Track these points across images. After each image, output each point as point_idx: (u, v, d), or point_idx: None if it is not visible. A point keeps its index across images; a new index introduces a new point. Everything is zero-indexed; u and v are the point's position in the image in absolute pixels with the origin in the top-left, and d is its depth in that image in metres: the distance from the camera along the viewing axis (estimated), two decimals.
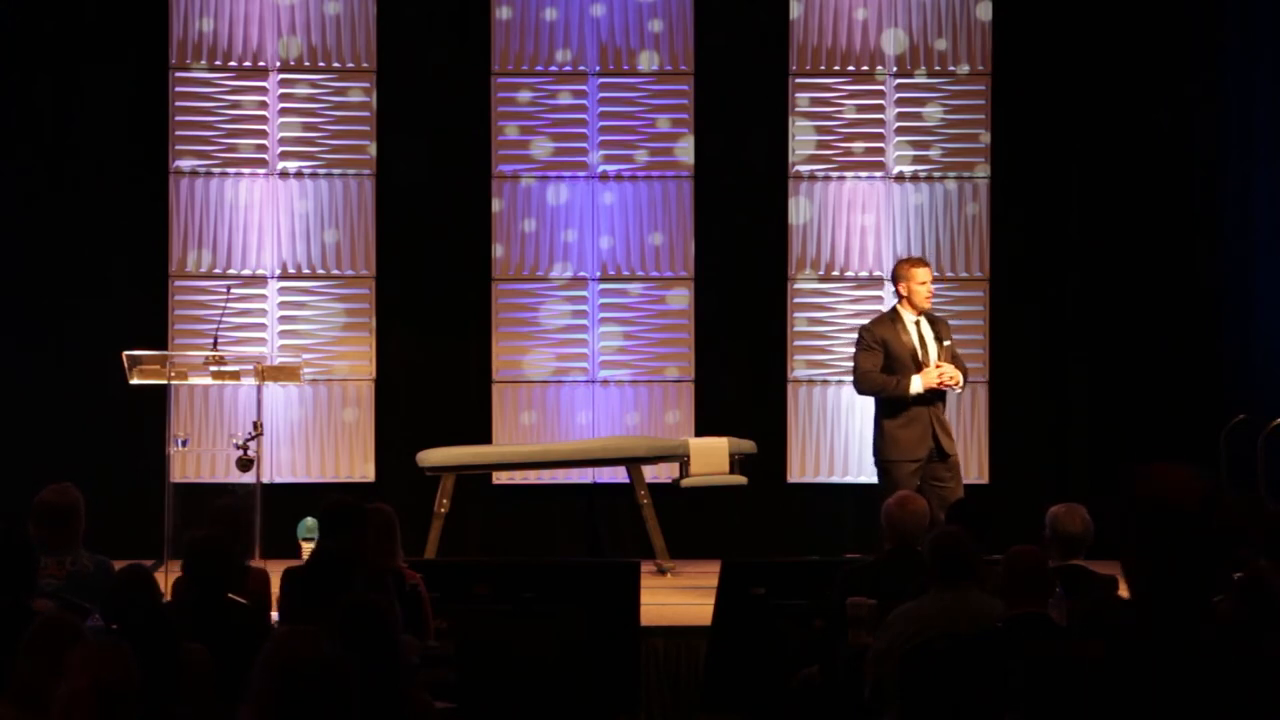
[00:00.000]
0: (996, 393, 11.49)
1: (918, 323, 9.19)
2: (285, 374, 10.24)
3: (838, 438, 11.51)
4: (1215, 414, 10.91)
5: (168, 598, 6.60)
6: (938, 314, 9.44)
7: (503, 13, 11.58)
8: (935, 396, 9.09)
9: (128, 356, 9.84)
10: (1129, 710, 3.33)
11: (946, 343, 9.18)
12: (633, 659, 8.20)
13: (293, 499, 10.79)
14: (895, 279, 9.28)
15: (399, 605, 6.16)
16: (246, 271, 11.47)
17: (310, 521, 10.13)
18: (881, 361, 9.14)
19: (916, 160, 11.60)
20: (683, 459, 10.80)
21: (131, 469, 10.96)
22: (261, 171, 11.49)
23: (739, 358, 11.60)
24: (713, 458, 10.76)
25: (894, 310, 9.25)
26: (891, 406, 9.10)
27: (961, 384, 9.17)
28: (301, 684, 4.35)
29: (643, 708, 8.46)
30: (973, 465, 11.53)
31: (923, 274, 9.20)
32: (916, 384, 9.04)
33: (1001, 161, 11.61)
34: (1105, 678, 3.39)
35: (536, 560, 9.97)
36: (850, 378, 9.49)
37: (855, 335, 9.39)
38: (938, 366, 9.06)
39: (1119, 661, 3.40)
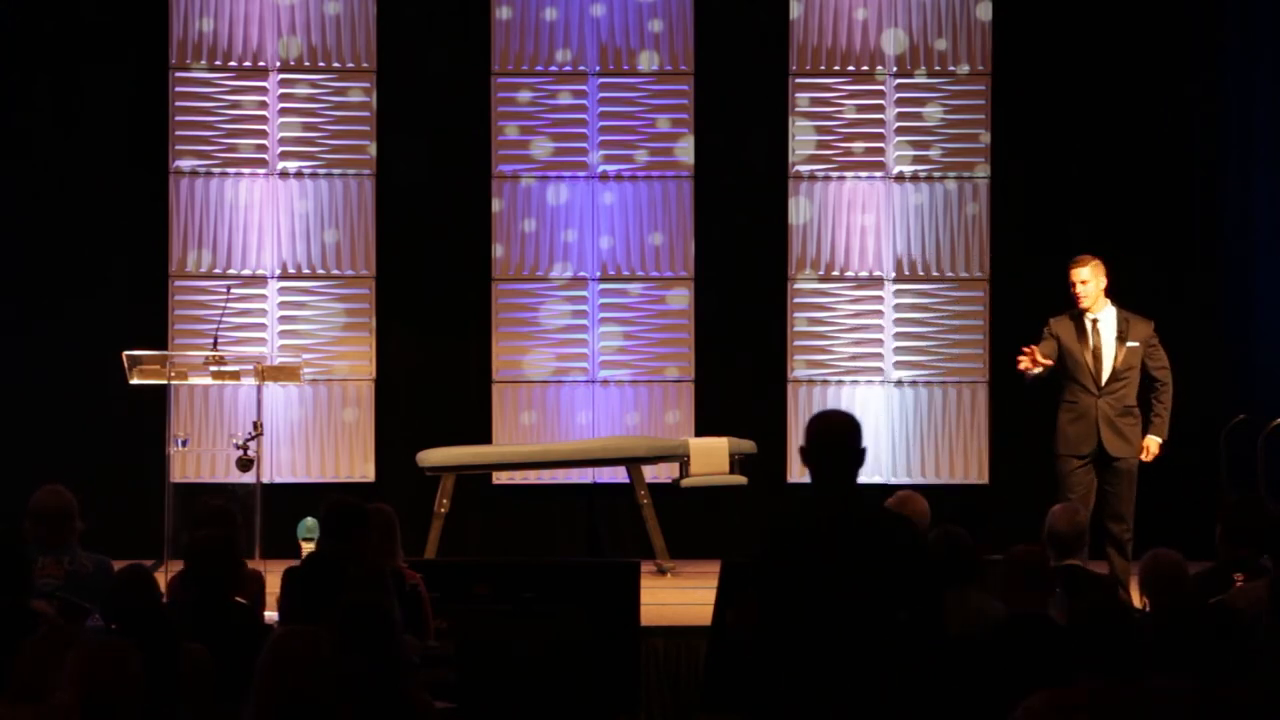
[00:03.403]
0: (996, 393, 11.48)
1: (1095, 321, 9.20)
2: (285, 374, 10.23)
3: None
4: (1215, 414, 10.91)
5: (167, 597, 6.60)
6: (1132, 313, 9.34)
7: (503, 13, 11.58)
8: (1109, 394, 9.12)
9: (128, 356, 9.84)
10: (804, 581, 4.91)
11: (1132, 343, 9.18)
12: (633, 659, 8.19)
13: (293, 499, 10.79)
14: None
15: (399, 605, 6.16)
16: (246, 271, 11.47)
17: (310, 521, 10.12)
18: (1053, 349, 9.16)
19: (916, 160, 11.60)
20: (683, 459, 10.80)
21: (131, 469, 10.96)
22: (261, 171, 11.49)
23: (739, 358, 11.60)
24: (713, 458, 10.76)
25: (1080, 308, 9.28)
26: (1063, 400, 9.18)
27: (1153, 382, 9.28)
28: (301, 683, 4.35)
29: (643, 708, 8.45)
30: (973, 465, 11.55)
31: (1074, 274, 9.23)
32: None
33: (1001, 161, 11.61)
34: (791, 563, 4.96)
35: (536, 560, 9.96)
36: None
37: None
38: (1028, 351, 9.09)
39: (799, 548, 4.98)
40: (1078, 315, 9.25)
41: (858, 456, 5.12)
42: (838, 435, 5.11)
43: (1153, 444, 9.24)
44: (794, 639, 4.92)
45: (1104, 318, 9.24)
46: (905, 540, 5.06)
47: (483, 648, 7.34)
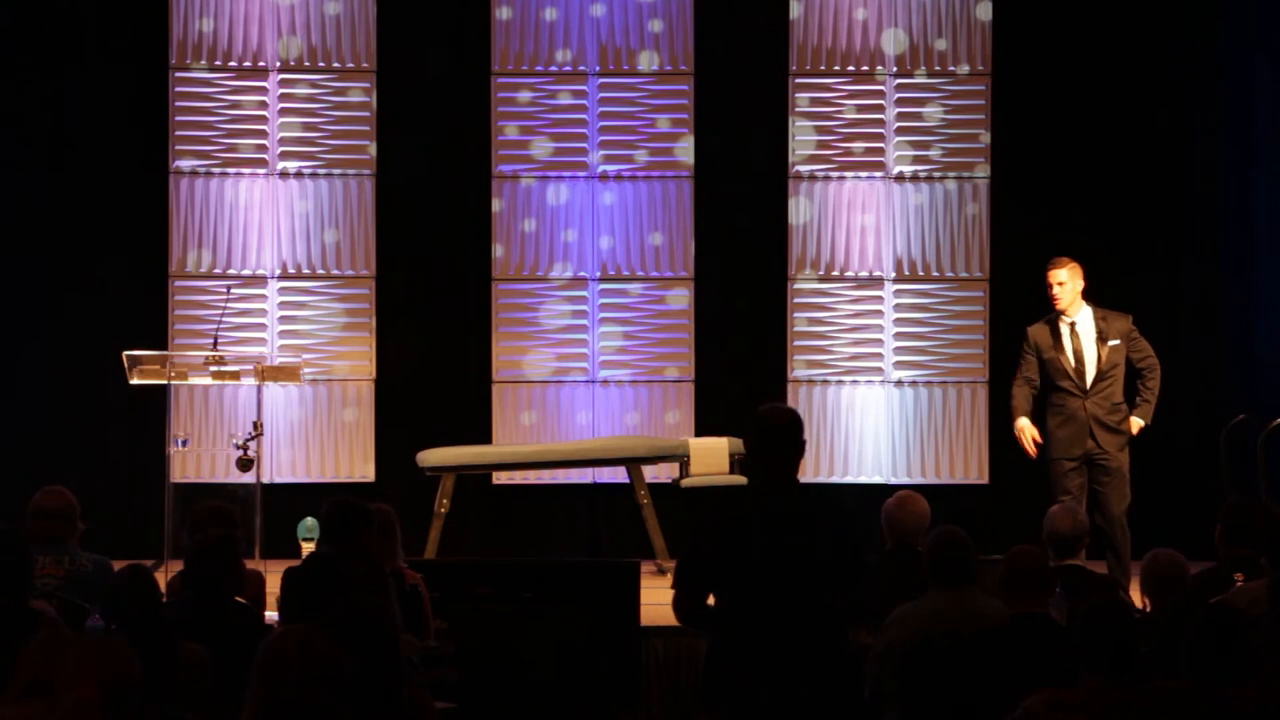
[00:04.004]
0: (996, 393, 11.47)
1: (1073, 324, 9.20)
2: (285, 374, 10.23)
3: (838, 438, 11.50)
4: (1215, 414, 10.91)
5: (167, 597, 6.60)
6: (1108, 310, 9.33)
7: (503, 13, 11.58)
8: (1097, 394, 9.13)
9: (128, 356, 9.84)
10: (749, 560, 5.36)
11: (1113, 341, 9.17)
12: (633, 659, 8.20)
13: (293, 499, 10.78)
14: None
15: (399, 605, 6.16)
16: (246, 271, 11.47)
17: (310, 521, 10.11)
18: (1035, 368, 9.18)
19: (916, 160, 11.60)
20: (683, 459, 10.79)
21: (131, 469, 10.96)
22: (261, 171, 11.49)
23: (739, 358, 11.59)
24: (713, 458, 10.76)
25: (1057, 312, 9.26)
26: (1050, 405, 9.20)
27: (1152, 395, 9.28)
28: (298, 683, 4.35)
29: (643, 708, 8.45)
30: (973, 465, 11.54)
31: (1051, 275, 9.22)
32: (1022, 421, 9.24)
33: (1001, 161, 11.61)
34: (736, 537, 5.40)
35: (536, 560, 9.96)
36: None
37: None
38: (1021, 431, 9.20)
39: (741, 525, 5.39)
40: (1054, 320, 9.25)
41: (800, 450, 5.56)
42: (785, 430, 5.55)
43: (1133, 425, 9.24)
44: (739, 625, 5.40)
45: (1081, 319, 9.24)
46: (843, 529, 5.49)
47: (483, 648, 7.34)
